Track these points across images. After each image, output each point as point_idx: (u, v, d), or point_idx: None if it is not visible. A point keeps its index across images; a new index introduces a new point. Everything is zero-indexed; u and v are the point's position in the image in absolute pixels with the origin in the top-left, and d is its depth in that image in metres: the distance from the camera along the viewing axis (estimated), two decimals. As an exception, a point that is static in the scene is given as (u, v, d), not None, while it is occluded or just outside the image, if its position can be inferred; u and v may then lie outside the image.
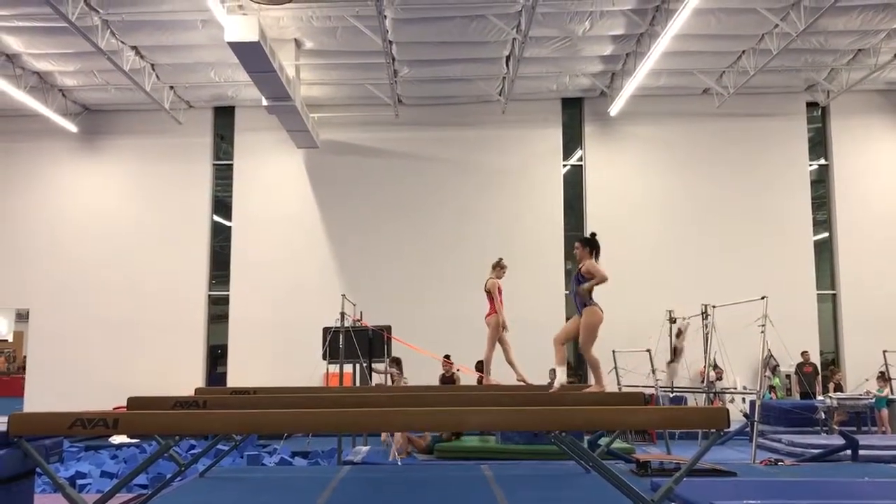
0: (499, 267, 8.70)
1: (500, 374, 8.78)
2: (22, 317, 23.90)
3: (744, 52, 14.91)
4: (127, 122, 17.59)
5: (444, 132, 17.32)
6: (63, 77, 15.84)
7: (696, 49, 14.71)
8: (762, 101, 16.97)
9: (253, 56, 12.30)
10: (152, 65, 15.22)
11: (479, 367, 12.25)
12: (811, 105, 17.41)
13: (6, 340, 30.34)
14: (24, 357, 21.88)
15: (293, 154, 17.12)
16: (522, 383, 8.51)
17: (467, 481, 7.43)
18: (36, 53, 14.62)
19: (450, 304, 16.25)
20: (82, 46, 13.44)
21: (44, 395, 16.31)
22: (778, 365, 15.37)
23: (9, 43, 14.07)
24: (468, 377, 12.34)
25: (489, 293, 8.66)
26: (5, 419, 5.08)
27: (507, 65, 15.15)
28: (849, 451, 9.86)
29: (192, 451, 10.84)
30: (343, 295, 12.10)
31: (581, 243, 7.23)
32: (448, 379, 12.31)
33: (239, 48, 12.04)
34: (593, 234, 7.31)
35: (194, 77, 15.89)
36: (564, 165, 17.49)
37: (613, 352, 13.88)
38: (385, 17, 12.78)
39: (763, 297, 10.62)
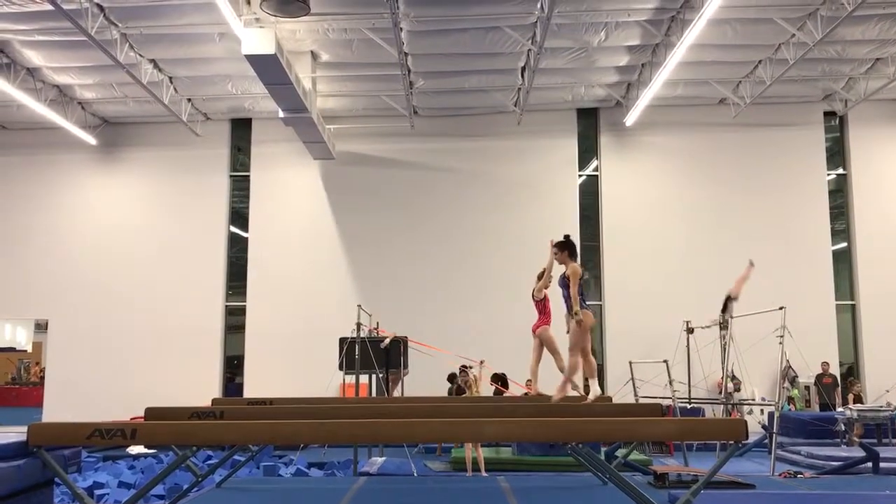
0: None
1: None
2: (41, 328, 24.09)
3: (760, 61, 14.85)
4: (145, 134, 17.76)
5: (460, 143, 17.35)
6: (82, 90, 16.01)
7: (712, 59, 14.67)
8: (779, 110, 16.90)
9: (270, 68, 12.39)
10: (170, 77, 15.35)
11: (496, 379, 12.23)
12: (829, 114, 17.31)
13: (25, 351, 30.58)
14: (43, 367, 22.05)
15: (309, 165, 17.21)
16: (575, 392, 8.51)
17: (484, 493, 7.40)
18: (56, 67, 14.79)
19: (466, 314, 16.26)
20: (101, 60, 13.58)
21: (62, 405, 16.42)
22: (797, 376, 15.24)
23: (29, 57, 14.24)
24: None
25: (541, 302, 8.59)
26: (24, 429, 5.13)
27: (523, 76, 15.17)
28: (869, 464, 9.75)
29: (209, 462, 10.88)
30: (359, 305, 12.11)
31: (558, 247, 7.19)
32: (460, 391, 12.26)
33: (256, 61, 12.14)
34: (567, 236, 7.27)
35: (212, 89, 16.02)
36: (580, 176, 17.47)
37: (630, 363, 13.83)
38: (401, 29, 12.84)
39: (781, 308, 10.55)
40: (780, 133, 17.00)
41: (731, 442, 5.04)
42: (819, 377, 15.49)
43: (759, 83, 15.24)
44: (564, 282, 7.09)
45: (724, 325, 12.76)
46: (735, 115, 16.39)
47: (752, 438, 11.12)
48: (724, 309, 12.37)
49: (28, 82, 14.96)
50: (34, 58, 14.30)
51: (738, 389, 14.52)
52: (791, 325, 10.70)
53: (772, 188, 16.86)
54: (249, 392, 16.22)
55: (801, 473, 9.54)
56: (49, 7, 11.27)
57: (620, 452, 9.03)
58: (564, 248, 7.17)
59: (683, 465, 10.82)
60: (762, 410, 13.64)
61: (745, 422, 5.09)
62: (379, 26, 12.86)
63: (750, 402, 13.86)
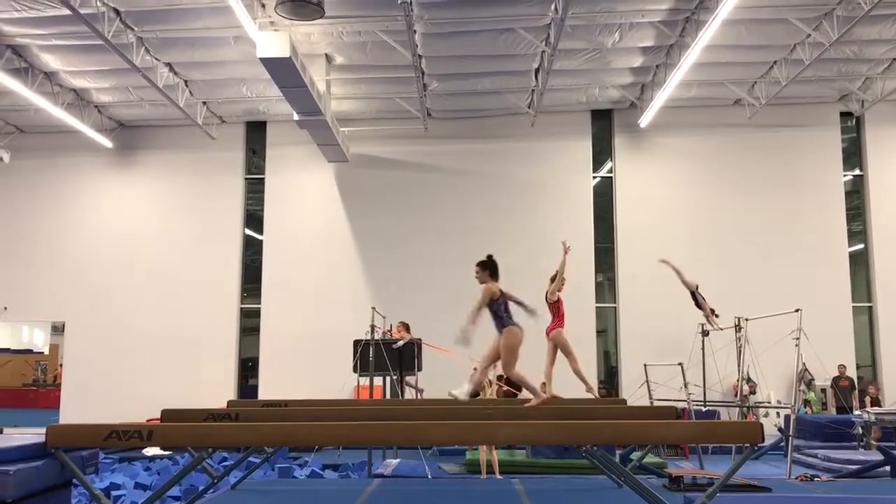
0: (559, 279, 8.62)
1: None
2: (57, 330, 24.27)
3: (775, 62, 14.78)
4: (161, 137, 17.88)
5: (474, 145, 17.36)
6: (99, 94, 16.14)
7: (726, 60, 14.61)
8: (795, 111, 16.80)
9: (284, 71, 12.45)
10: (186, 81, 15.45)
11: (501, 380, 12.22)
12: (845, 115, 17.19)
13: (42, 353, 30.79)
14: (59, 367, 22.21)
15: (324, 168, 17.26)
16: (590, 394, 8.52)
17: (498, 496, 7.40)
18: (72, 71, 14.91)
19: (481, 317, 16.21)
20: (118, 63, 13.69)
21: (78, 407, 16.53)
22: (813, 379, 15.14)
23: (47, 61, 14.37)
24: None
25: (554, 304, 8.58)
26: (43, 430, 5.18)
27: (537, 77, 15.16)
28: (887, 468, 9.68)
29: (224, 464, 10.92)
30: (373, 308, 12.14)
31: (479, 267, 7.21)
32: (475, 394, 12.24)
33: (270, 64, 12.19)
34: (490, 256, 7.26)
35: (227, 93, 16.11)
36: (594, 177, 17.43)
37: (645, 365, 13.79)
38: (415, 31, 12.86)
39: (797, 310, 10.49)
40: (795, 134, 16.91)
41: (747, 445, 5.01)
42: (836, 380, 15.38)
43: (775, 84, 15.16)
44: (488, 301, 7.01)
45: (737, 323, 12.70)
46: (750, 116, 16.31)
47: (768, 441, 11.06)
48: (698, 304, 12.30)
49: (45, 86, 15.09)
50: (51, 62, 14.43)
51: (753, 392, 14.44)
52: (807, 328, 10.64)
53: (787, 189, 16.76)
54: (264, 394, 16.28)
55: (818, 477, 9.47)
56: (66, 11, 11.38)
57: (635, 455, 9.01)
58: (486, 267, 7.17)
59: (699, 467, 10.77)
60: (778, 413, 13.56)
61: (762, 425, 5.07)
62: (393, 29, 12.89)
63: (766, 404, 13.78)
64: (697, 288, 12.16)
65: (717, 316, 12.17)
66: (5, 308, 17.74)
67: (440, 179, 17.29)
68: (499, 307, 7.07)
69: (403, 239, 17.06)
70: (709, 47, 12.92)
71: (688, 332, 14.00)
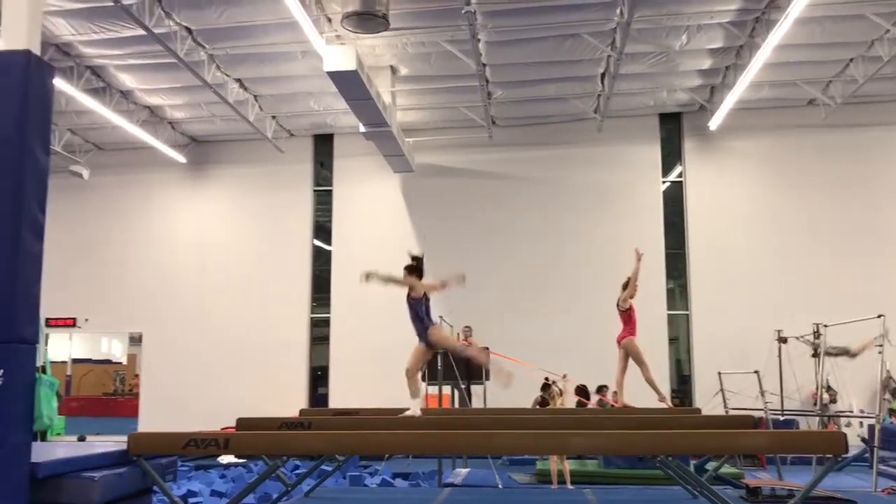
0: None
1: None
2: (135, 340, 24.99)
3: (851, 59, 14.32)
4: (232, 151, 18.31)
5: (539, 152, 17.27)
6: (172, 110, 16.62)
7: (799, 59, 14.21)
8: (872, 110, 16.21)
9: (351, 84, 12.61)
10: (255, 96, 15.79)
11: (579, 391, 12.10)
12: (928, 112, 16.52)
13: (121, 363, 31.72)
14: (136, 377, 22.85)
15: (390, 178, 17.41)
16: (663, 403, 8.38)
17: (570, 505, 7.31)
18: (147, 89, 15.40)
19: (549, 324, 16.15)
20: (190, 80, 14.10)
21: (155, 415, 16.99)
22: (898, 387, 14.54)
23: (123, 80, 14.88)
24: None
25: (626, 312, 8.48)
26: (123, 438, 5.33)
27: (603, 82, 15.01)
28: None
29: (296, 472, 11.07)
30: (441, 317, 12.16)
31: (406, 270, 7.10)
32: (544, 403, 12.16)
33: (337, 77, 12.37)
34: (414, 258, 7.19)
35: (295, 106, 16.40)
36: (664, 182, 17.15)
37: (719, 373, 13.48)
38: (479, 40, 12.89)
39: (880, 316, 10.11)
40: (873, 133, 16.31)
41: (830, 456, 4.85)
42: (922, 388, 14.75)
43: (851, 82, 14.69)
44: (410, 301, 6.96)
45: (815, 330, 12.31)
46: (825, 116, 15.82)
47: (851, 452, 10.68)
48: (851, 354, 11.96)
49: (122, 104, 15.62)
50: (127, 81, 14.93)
51: (834, 401, 13.96)
52: (891, 334, 10.23)
53: (865, 190, 16.18)
54: (334, 402, 16.45)
55: (906, 489, 9.10)
56: (141, 32, 11.78)
57: (711, 465, 8.79)
58: (413, 271, 7.08)
59: (777, 478, 10.46)
60: (861, 423, 13.06)
61: (845, 435, 4.90)
62: (457, 38, 12.93)
63: (848, 414, 13.30)
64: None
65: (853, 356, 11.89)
66: (86, 320, 18.38)
67: (506, 187, 17.25)
68: (420, 308, 6.98)
69: (470, 247, 17.03)
70: (780, 47, 12.59)
71: (763, 339, 13.65)
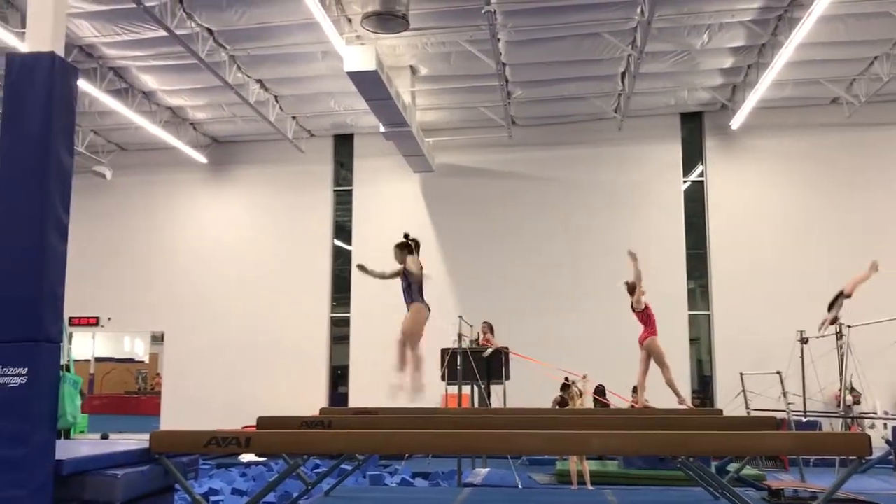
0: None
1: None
2: (157, 339, 25.19)
3: (876, 57, 14.17)
4: (252, 151, 18.41)
5: (559, 151, 17.23)
6: (194, 111, 16.75)
7: (823, 57, 14.08)
8: (897, 108, 16.04)
9: (371, 84, 12.64)
10: (276, 96, 15.87)
11: (597, 392, 12.06)
12: (954, 110, 16.31)
13: (143, 362, 32.00)
14: (157, 376, 23.04)
15: (409, 178, 17.44)
16: (682, 405, 8.35)
17: (590, 506, 7.29)
18: (169, 90, 15.53)
19: (568, 323, 16.10)
20: (211, 81, 14.21)
21: (177, 414, 17.13)
22: (923, 388, 14.38)
23: (145, 81, 15.01)
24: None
25: (643, 313, 8.46)
26: (145, 437, 5.38)
27: (623, 81, 14.95)
28: None
29: (316, 471, 11.11)
30: (460, 316, 12.17)
31: (398, 248, 7.51)
32: (563, 403, 12.13)
33: (357, 77, 12.40)
34: (406, 235, 7.56)
35: (315, 107, 16.47)
36: (685, 182, 17.05)
37: (741, 374, 13.38)
38: (498, 39, 12.88)
39: (905, 316, 9.99)
40: (899, 132, 16.13)
41: (854, 458, 4.80)
42: (948, 390, 14.57)
43: (875, 80, 14.54)
44: (405, 275, 7.28)
45: (838, 330, 12.18)
46: (849, 115, 15.66)
47: (875, 454, 10.56)
48: (832, 305, 11.83)
49: (144, 105, 15.76)
50: (150, 82, 15.06)
51: (857, 402, 13.81)
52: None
53: (890, 190, 15.99)
54: (354, 402, 16.50)
55: (931, 492, 8.99)
56: (163, 33, 11.88)
57: (732, 467, 8.73)
58: (403, 248, 7.46)
59: (800, 480, 10.37)
60: (885, 425, 12.91)
61: (869, 436, 4.85)
62: (476, 38, 12.93)
63: (872, 415, 13.15)
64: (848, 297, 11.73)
65: (840, 325, 11.76)
66: (109, 319, 18.57)
67: (526, 186, 17.22)
68: (404, 281, 7.39)
69: (489, 246, 17.04)
70: (803, 45, 12.49)
71: (785, 339, 13.52)
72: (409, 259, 7.31)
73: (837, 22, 12.62)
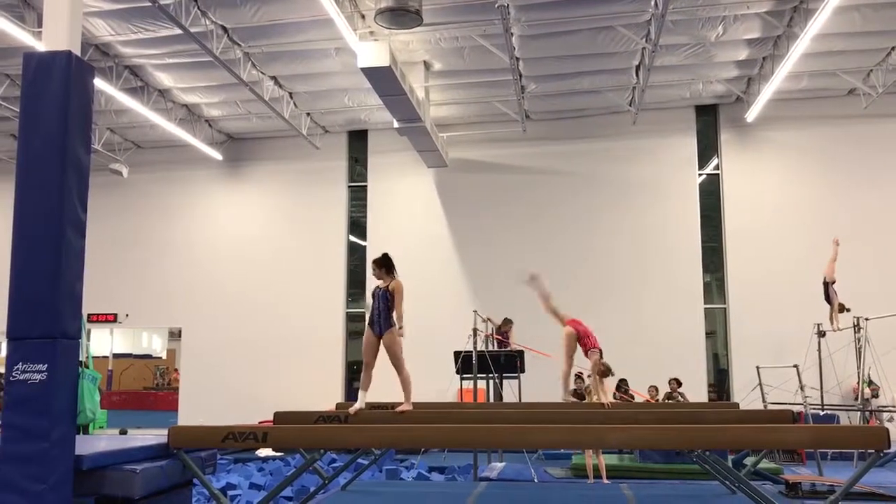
0: None
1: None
2: (174, 335, 25.37)
3: (893, 47, 14.02)
4: (267, 148, 18.48)
5: (574, 145, 17.18)
6: (209, 108, 16.82)
7: (839, 48, 13.95)
8: (916, 99, 15.88)
9: (384, 80, 12.65)
10: (290, 93, 15.92)
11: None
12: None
13: (160, 358, 32.25)
14: (175, 371, 23.21)
15: (424, 173, 17.45)
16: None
17: (606, 500, 7.29)
18: (184, 87, 15.60)
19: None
20: (226, 79, 14.26)
21: (194, 409, 17.22)
22: (942, 381, 14.26)
23: (161, 79, 15.09)
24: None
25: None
26: (163, 432, 5.43)
27: (637, 74, 14.88)
28: None
29: (333, 465, 11.16)
30: (475, 311, 12.19)
31: (376, 264, 7.22)
32: (579, 397, 12.12)
33: (371, 73, 12.42)
34: (385, 254, 7.28)
35: (329, 103, 16.51)
36: (700, 175, 16.96)
37: (758, 368, 13.31)
38: (512, 34, 12.85)
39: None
40: (916, 123, 15.97)
41: (872, 451, 4.78)
42: (968, 382, 14.44)
43: (893, 71, 14.39)
44: (386, 296, 7.01)
45: (855, 322, 12.13)
46: (866, 106, 15.52)
47: (893, 448, 10.49)
48: (826, 297, 11.82)
49: (160, 103, 15.84)
50: (165, 80, 15.13)
51: (876, 395, 13.72)
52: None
53: (909, 182, 15.86)
54: (369, 396, 16.50)
55: (951, 486, 8.91)
56: (178, 31, 11.93)
57: (749, 461, 8.70)
58: (382, 265, 7.16)
59: (817, 474, 10.32)
60: (904, 418, 12.84)
61: (887, 429, 4.83)
62: (490, 32, 12.91)
63: (891, 408, 13.07)
64: (833, 283, 11.84)
65: (848, 310, 11.75)
66: (126, 315, 18.72)
67: (540, 181, 17.19)
68: (380, 299, 7.22)
69: (504, 241, 17.01)
70: (819, 36, 12.37)
71: (803, 333, 13.45)
72: (395, 282, 7.17)
73: (853, 12, 12.50)
